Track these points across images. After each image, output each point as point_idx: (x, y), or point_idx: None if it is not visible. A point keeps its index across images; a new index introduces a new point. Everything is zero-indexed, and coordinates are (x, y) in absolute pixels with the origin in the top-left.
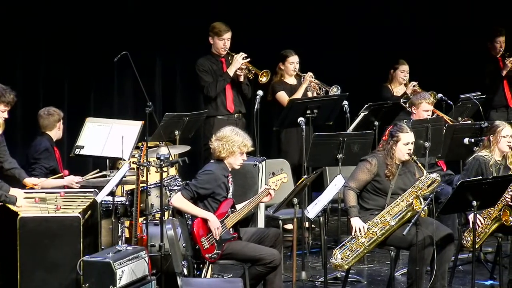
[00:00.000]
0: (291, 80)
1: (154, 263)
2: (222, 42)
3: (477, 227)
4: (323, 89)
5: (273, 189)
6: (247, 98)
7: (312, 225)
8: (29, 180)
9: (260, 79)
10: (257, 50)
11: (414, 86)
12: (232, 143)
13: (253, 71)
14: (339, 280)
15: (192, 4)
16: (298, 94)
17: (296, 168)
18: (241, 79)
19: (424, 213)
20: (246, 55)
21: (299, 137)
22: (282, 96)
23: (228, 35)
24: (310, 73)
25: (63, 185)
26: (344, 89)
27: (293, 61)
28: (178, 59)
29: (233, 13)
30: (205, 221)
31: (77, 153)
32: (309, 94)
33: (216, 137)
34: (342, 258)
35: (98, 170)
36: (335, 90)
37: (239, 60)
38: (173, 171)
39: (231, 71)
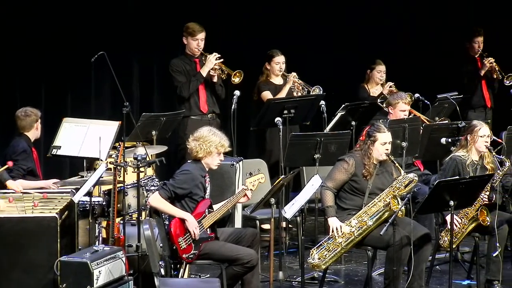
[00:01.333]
0: (277, 80)
1: (131, 263)
2: (196, 43)
3: (454, 227)
4: (306, 89)
5: (250, 189)
6: (220, 98)
7: (289, 225)
8: (11, 184)
9: (233, 79)
10: (242, 50)
11: (390, 86)
12: (209, 143)
13: (226, 72)
14: (317, 280)
15: (169, 5)
16: (282, 94)
17: (278, 167)
18: (215, 79)
19: (401, 213)
20: (219, 55)
21: (279, 137)
22: (267, 96)
23: (202, 36)
24: (294, 73)
25: (41, 187)
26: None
27: (279, 61)
28: (155, 59)
29: (212, 13)
30: (182, 221)
31: (54, 153)
32: (294, 94)
33: (193, 137)
34: (319, 258)
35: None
36: (317, 91)
37: (212, 61)
38: (150, 171)
39: (204, 72)
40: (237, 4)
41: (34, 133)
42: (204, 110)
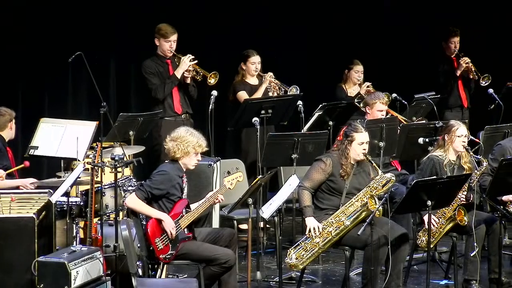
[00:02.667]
0: (252, 80)
1: (109, 264)
2: (169, 44)
3: (431, 226)
4: (283, 89)
5: (229, 188)
6: (193, 99)
7: (267, 225)
8: None
9: (209, 81)
10: (219, 50)
11: (368, 86)
12: (187, 143)
13: (201, 73)
14: (294, 280)
15: (148, 5)
16: (258, 94)
17: (255, 167)
18: (188, 81)
19: (378, 213)
20: (193, 57)
21: (256, 137)
22: (243, 96)
23: (174, 37)
24: (270, 73)
25: (18, 186)
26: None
27: (254, 61)
28: (133, 59)
29: (189, 14)
30: (159, 221)
31: (32, 153)
32: (270, 94)
33: (170, 138)
34: (297, 258)
35: None
36: (294, 91)
37: (187, 62)
38: (127, 171)
39: (178, 74)
40: (211, 4)
41: (8, 133)
42: (178, 111)
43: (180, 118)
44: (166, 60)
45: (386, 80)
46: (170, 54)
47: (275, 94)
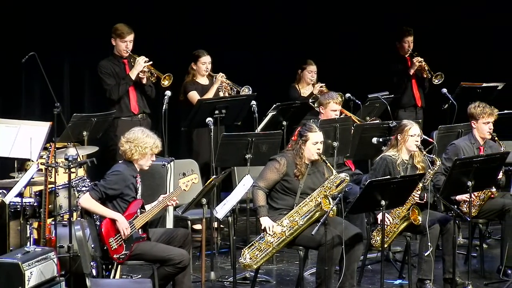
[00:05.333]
0: (203, 80)
1: (63, 264)
2: (125, 44)
3: (385, 226)
4: (235, 89)
5: (184, 189)
6: (150, 98)
7: (221, 225)
8: None
9: (163, 82)
10: (169, 51)
11: (321, 86)
12: (144, 145)
13: (155, 74)
14: (248, 280)
15: (101, 5)
16: (210, 94)
17: (207, 168)
18: (144, 81)
19: (332, 213)
20: (147, 58)
21: (209, 137)
22: (194, 96)
23: (130, 37)
24: (221, 74)
25: None
26: (253, 89)
27: (205, 61)
28: (86, 60)
29: (142, 14)
30: (113, 221)
31: None
32: (221, 94)
33: (126, 139)
34: (251, 258)
35: None
36: (246, 91)
37: (141, 63)
38: (81, 172)
39: (133, 74)
40: (164, 5)
41: None
42: (134, 111)
43: (136, 118)
44: (122, 60)
45: (339, 80)
46: (126, 54)
47: (227, 94)
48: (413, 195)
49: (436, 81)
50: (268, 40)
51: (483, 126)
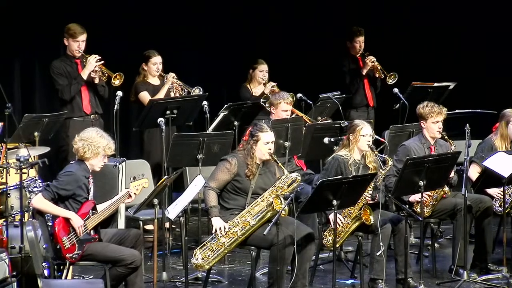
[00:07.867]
0: (154, 81)
1: (15, 265)
2: (77, 44)
3: (337, 226)
4: (185, 90)
5: (134, 193)
6: (103, 98)
7: (173, 226)
8: None
9: (113, 81)
10: (120, 51)
11: (272, 86)
12: (97, 144)
13: (106, 74)
14: (200, 280)
15: (53, 4)
16: (161, 95)
17: (158, 168)
18: (96, 81)
19: (284, 213)
20: (99, 57)
21: (161, 137)
22: (145, 96)
23: (83, 37)
24: (172, 74)
25: None
26: (204, 89)
27: (156, 62)
28: (38, 59)
29: (93, 14)
30: (66, 220)
31: None
32: (172, 94)
33: (80, 137)
34: (203, 258)
35: None
36: (197, 91)
37: (93, 63)
38: (33, 172)
39: (84, 74)
40: (115, 5)
41: None
42: (87, 111)
43: (88, 118)
44: (75, 60)
45: (291, 79)
46: (79, 54)
47: (178, 95)
48: (365, 195)
49: (390, 81)
50: (218, 40)
51: (433, 126)
